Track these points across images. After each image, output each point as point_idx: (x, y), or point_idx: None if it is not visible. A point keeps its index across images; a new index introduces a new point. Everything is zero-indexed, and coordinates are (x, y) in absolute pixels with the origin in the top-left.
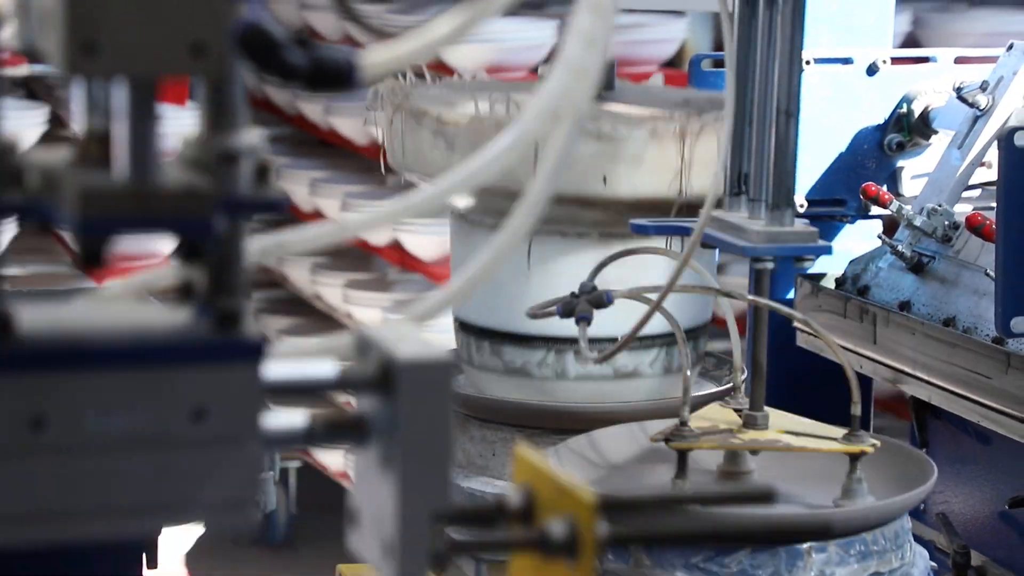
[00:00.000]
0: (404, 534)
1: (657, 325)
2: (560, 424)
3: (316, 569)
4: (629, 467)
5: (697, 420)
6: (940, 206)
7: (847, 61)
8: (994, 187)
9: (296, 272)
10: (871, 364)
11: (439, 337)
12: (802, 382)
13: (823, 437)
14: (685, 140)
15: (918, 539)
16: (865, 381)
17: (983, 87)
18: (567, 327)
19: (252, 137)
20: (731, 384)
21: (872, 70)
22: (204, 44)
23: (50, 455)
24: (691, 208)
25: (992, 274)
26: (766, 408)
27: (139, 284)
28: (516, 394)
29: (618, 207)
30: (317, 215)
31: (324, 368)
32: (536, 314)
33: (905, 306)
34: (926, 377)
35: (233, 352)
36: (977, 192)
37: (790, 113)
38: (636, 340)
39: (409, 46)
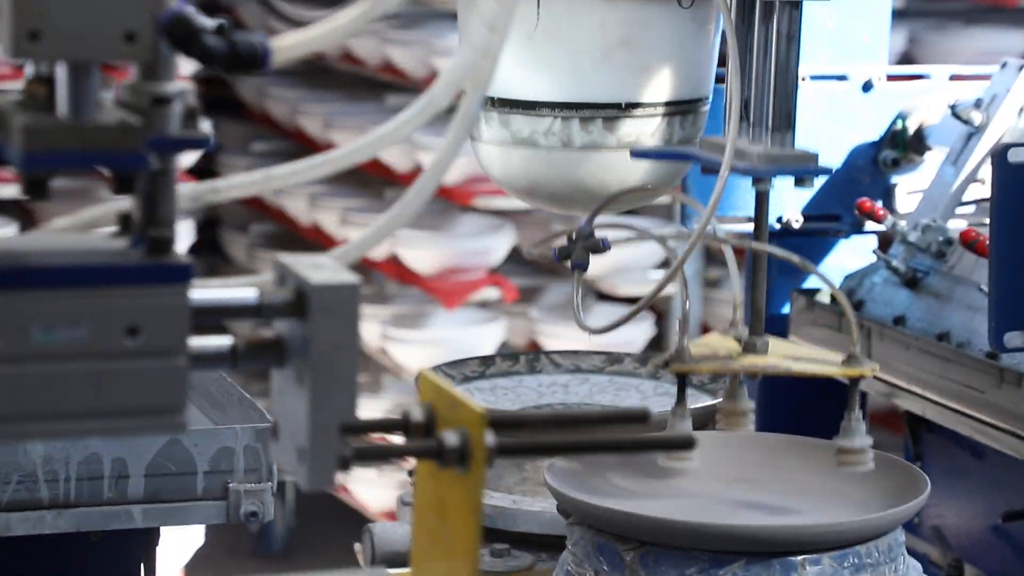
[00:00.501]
0: (315, 442)
1: (660, 93)
2: None
3: None
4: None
5: (697, 347)
6: (934, 222)
7: (842, 78)
8: (987, 203)
9: None
10: (868, 380)
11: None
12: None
13: (822, 362)
14: None
15: (912, 552)
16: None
17: (977, 104)
18: (572, 93)
19: (181, 85)
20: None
21: (867, 87)
22: (135, 32)
23: (2, 365)
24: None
25: (985, 289)
26: (766, 336)
27: (84, 220)
28: (524, 168)
29: None
30: (316, 229)
31: (245, 293)
32: (532, 251)
33: (899, 321)
34: (920, 391)
35: (163, 274)
36: (971, 208)
37: (791, 37)
38: (638, 107)
39: (314, 33)
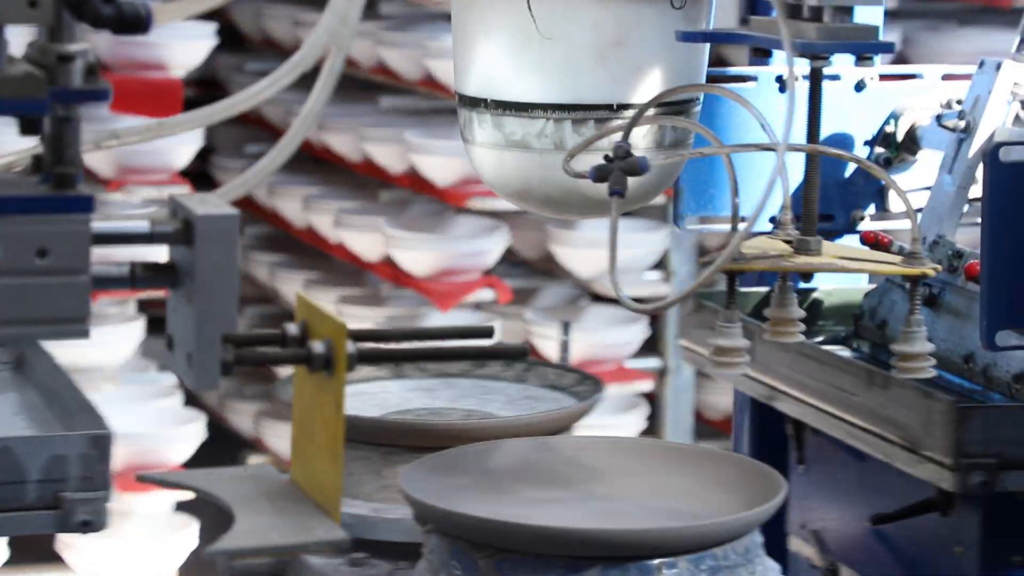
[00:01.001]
0: (201, 349)
1: (652, 93)
2: (415, 442)
3: None
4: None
5: (747, 248)
6: (940, 238)
7: (835, 78)
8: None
9: (289, 288)
10: (748, 382)
11: None
12: None
13: (880, 261)
14: None
15: (795, 555)
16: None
17: (960, 115)
18: (564, 94)
19: (83, 45)
20: None
21: (860, 86)
22: (37, 1)
23: None
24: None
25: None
26: (819, 236)
27: (3, 163)
28: (517, 171)
29: None
30: (310, 231)
31: (140, 224)
32: (568, 169)
33: None
34: (797, 394)
35: (68, 205)
36: (977, 218)
37: None
38: (629, 108)
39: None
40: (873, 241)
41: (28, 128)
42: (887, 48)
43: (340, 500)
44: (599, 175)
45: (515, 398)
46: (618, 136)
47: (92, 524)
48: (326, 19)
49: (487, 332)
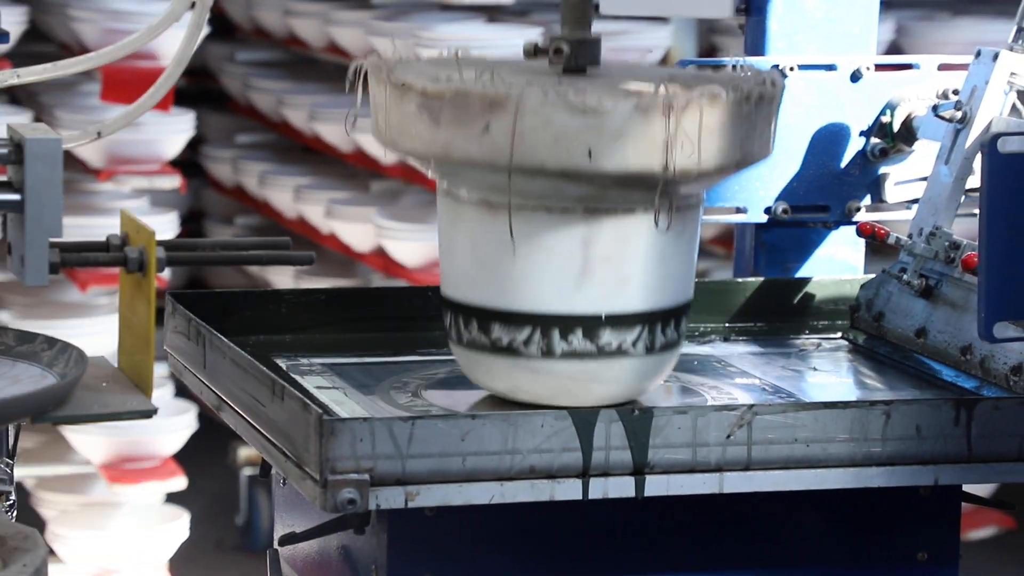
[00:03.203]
0: (31, 251)
1: (640, 302)
2: None
3: None
4: None
5: None
6: (937, 229)
7: (831, 68)
8: (976, 193)
9: (280, 278)
10: (207, 391)
11: None
12: None
13: None
14: (671, 114)
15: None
16: None
17: (957, 106)
18: (552, 304)
19: None
20: None
21: (856, 76)
22: None
23: None
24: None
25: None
26: None
27: None
28: (505, 374)
29: (603, 181)
30: (301, 221)
31: None
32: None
33: (921, 333)
34: (235, 406)
35: None
36: (973, 208)
37: None
38: (618, 318)
39: None
40: (870, 233)
41: None
42: None
43: (152, 379)
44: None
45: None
46: (612, 347)
47: None
48: None
49: (283, 244)
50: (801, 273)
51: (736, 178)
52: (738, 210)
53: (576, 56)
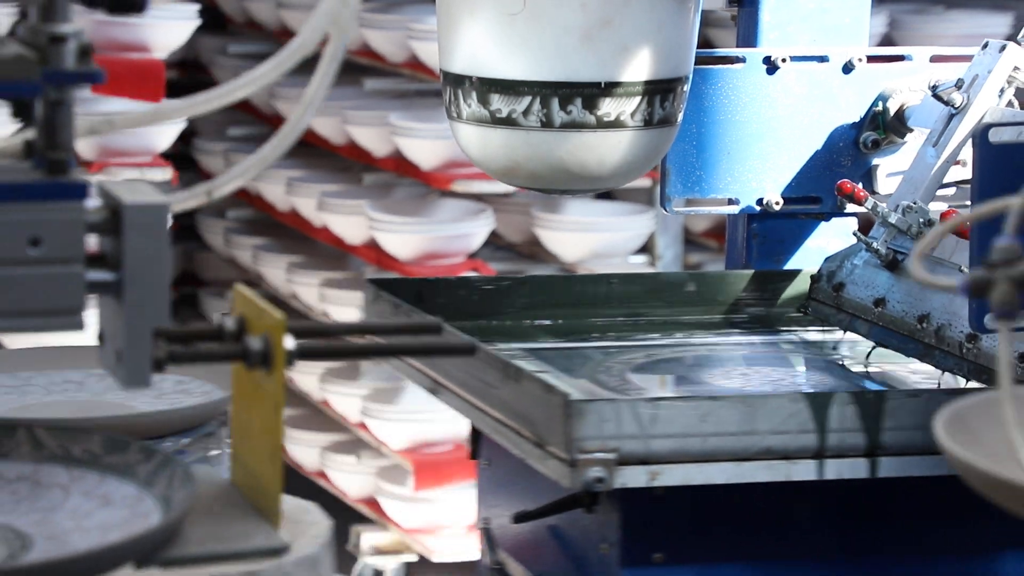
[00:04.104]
0: (131, 345)
1: (640, 72)
2: None
3: None
4: None
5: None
6: (915, 204)
7: (823, 59)
8: (968, 185)
9: (272, 272)
10: (416, 374)
11: None
12: None
13: None
14: None
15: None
16: None
17: (958, 85)
18: (553, 72)
19: (76, 26)
20: None
21: (848, 68)
22: None
23: None
24: None
25: (966, 271)
26: None
27: None
28: (503, 149)
29: None
30: (294, 214)
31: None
32: (919, 275)
33: (880, 303)
34: (455, 388)
35: (61, 191)
36: (952, 191)
37: None
38: (618, 86)
39: None
40: (849, 193)
41: (19, 112)
42: None
43: (280, 503)
44: (976, 287)
45: (168, 391)
46: (611, 117)
47: None
48: (327, 3)
49: (435, 327)
50: (792, 264)
51: (728, 169)
52: (730, 201)
53: None
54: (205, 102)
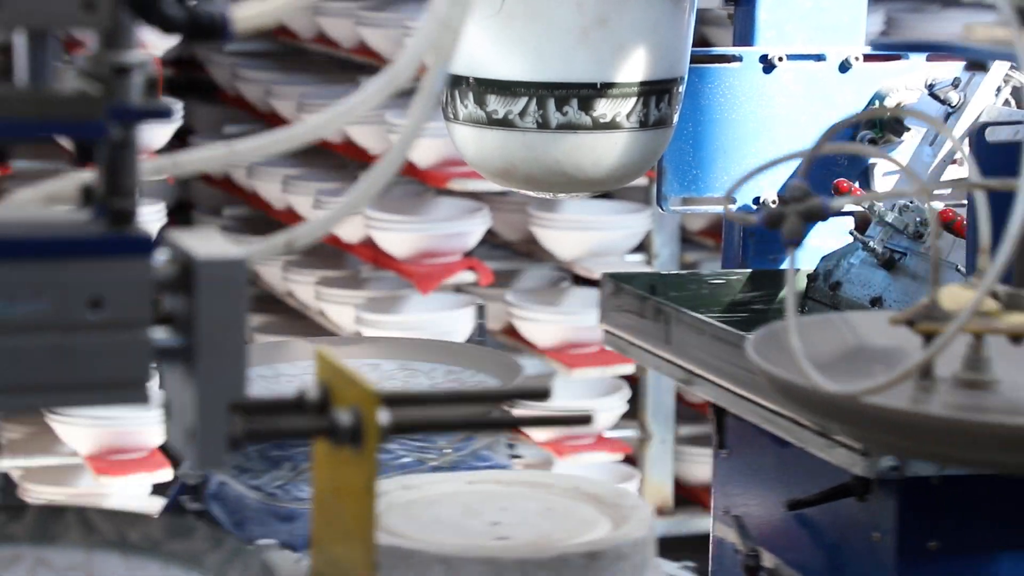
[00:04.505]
0: (204, 422)
1: (635, 73)
2: None
3: None
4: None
5: (947, 302)
6: (911, 203)
7: (820, 58)
8: (964, 184)
9: (268, 269)
10: (668, 365)
11: None
12: None
13: None
14: None
15: (720, 541)
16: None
17: (955, 84)
18: (549, 72)
19: (143, 54)
20: None
21: (844, 67)
22: (93, 1)
23: None
24: None
25: (963, 270)
26: None
27: (47, 192)
28: (499, 150)
29: None
30: (290, 212)
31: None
32: (732, 215)
33: (876, 302)
34: (713, 378)
35: (126, 246)
36: (948, 189)
37: None
38: (614, 87)
39: (275, 4)
40: (846, 191)
41: (84, 155)
42: None
43: None
44: (771, 220)
45: (439, 380)
46: (606, 118)
47: None
48: (427, 25)
49: (544, 393)
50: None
51: (725, 168)
52: (731, 200)
53: None
54: (283, 140)
